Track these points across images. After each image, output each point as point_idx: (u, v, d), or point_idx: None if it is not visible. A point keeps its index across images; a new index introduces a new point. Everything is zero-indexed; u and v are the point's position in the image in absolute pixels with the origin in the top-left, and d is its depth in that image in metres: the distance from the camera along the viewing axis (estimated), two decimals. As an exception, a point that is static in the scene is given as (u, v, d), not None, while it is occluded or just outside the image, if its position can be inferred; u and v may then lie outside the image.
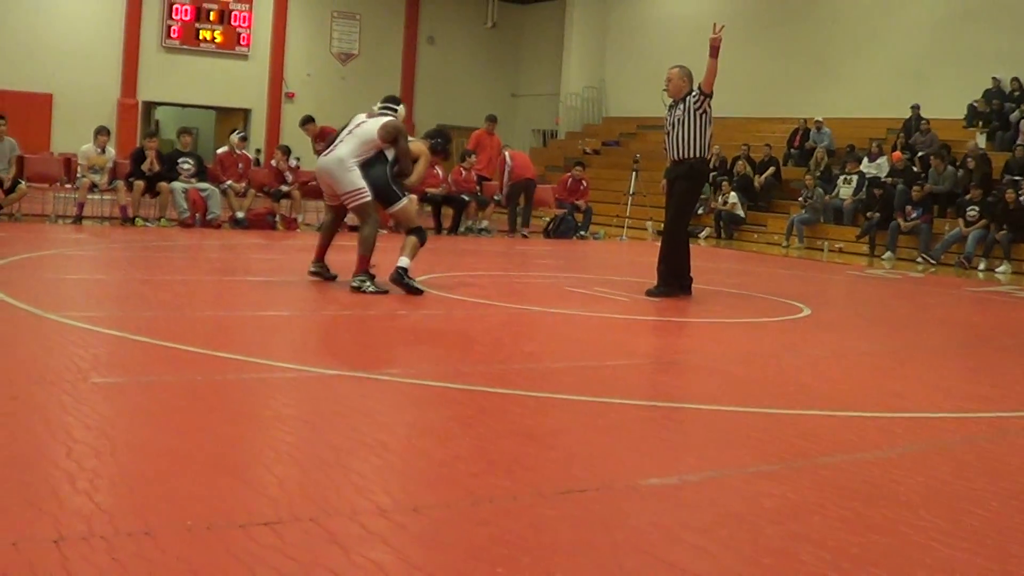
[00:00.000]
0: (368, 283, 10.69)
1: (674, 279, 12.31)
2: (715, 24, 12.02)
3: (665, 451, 5.31)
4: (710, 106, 12.29)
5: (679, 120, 12.34)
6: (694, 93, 12.35)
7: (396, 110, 11.19)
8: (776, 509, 4.39)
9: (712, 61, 12.23)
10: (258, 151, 33.46)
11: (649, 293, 12.19)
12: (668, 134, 12.50)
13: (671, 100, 12.65)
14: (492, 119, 24.00)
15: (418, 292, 10.78)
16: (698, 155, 12.28)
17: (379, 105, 11.27)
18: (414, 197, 11.50)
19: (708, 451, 5.34)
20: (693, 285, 12.50)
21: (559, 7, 38.11)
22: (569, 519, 4.09)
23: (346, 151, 10.79)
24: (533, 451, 5.07)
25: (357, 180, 10.69)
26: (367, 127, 10.92)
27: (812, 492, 4.68)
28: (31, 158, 20.45)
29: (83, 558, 3.39)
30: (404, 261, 10.82)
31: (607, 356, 8.12)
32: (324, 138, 20.14)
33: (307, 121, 21.02)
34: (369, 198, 10.76)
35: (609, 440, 5.44)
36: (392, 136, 10.84)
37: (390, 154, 10.89)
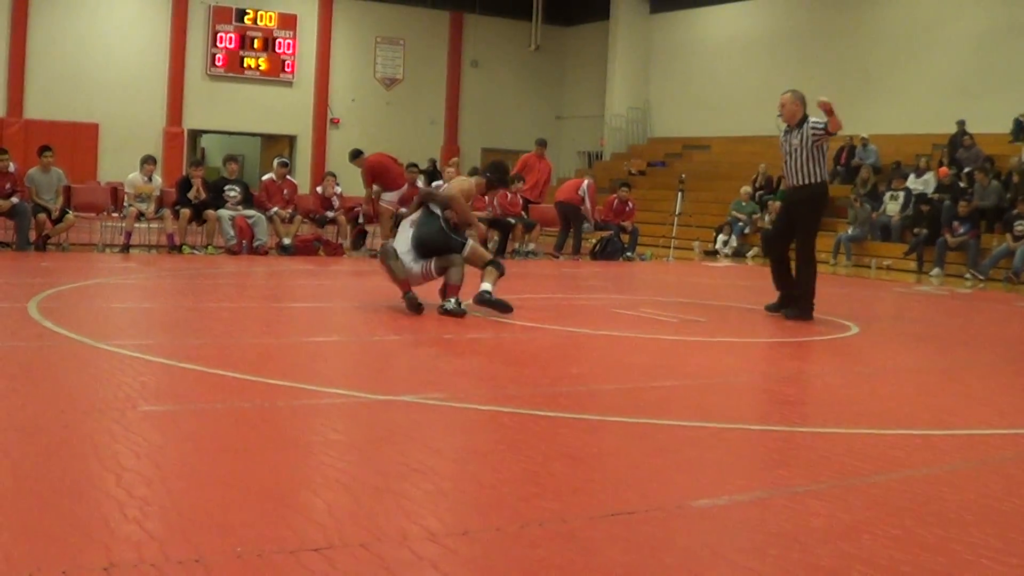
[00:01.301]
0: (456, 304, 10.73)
1: (798, 299, 12.39)
2: (819, 100, 11.93)
3: (714, 472, 5.28)
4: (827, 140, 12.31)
5: (796, 148, 12.33)
6: (813, 123, 12.26)
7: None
8: (826, 528, 4.36)
9: (832, 118, 12.00)
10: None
11: (787, 315, 12.30)
12: (786, 161, 12.52)
13: (786, 126, 12.65)
14: (542, 143, 23.97)
15: (508, 308, 10.95)
16: (820, 180, 12.37)
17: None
18: (474, 233, 11.49)
19: (757, 471, 5.31)
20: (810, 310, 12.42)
21: (603, 29, 38.11)
22: (619, 541, 4.07)
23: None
24: (582, 473, 5.06)
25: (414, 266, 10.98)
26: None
27: (862, 511, 4.65)
28: (78, 188, 20.62)
29: (134, 586, 3.40)
30: (487, 285, 10.87)
31: (655, 377, 8.10)
32: (379, 174, 20.19)
33: (356, 155, 21.04)
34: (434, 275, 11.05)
35: (658, 461, 5.41)
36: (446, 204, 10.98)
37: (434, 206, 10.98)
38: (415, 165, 21.71)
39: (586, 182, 22.73)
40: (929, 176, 25.25)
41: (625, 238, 23.13)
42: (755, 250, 25.92)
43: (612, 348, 9.79)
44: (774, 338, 10.96)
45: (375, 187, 20.04)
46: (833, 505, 4.70)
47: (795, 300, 12.36)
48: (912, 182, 25.31)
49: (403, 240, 10.98)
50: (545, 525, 4.20)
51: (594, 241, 23.14)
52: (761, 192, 27.40)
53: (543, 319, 11.64)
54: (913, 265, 23.33)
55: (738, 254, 25.69)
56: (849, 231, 24.77)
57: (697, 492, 4.85)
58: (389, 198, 20.02)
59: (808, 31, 32.17)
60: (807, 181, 12.30)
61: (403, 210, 19.67)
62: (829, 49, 31.42)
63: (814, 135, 12.15)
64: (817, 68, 31.36)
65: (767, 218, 25.95)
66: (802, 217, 12.52)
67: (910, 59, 29.51)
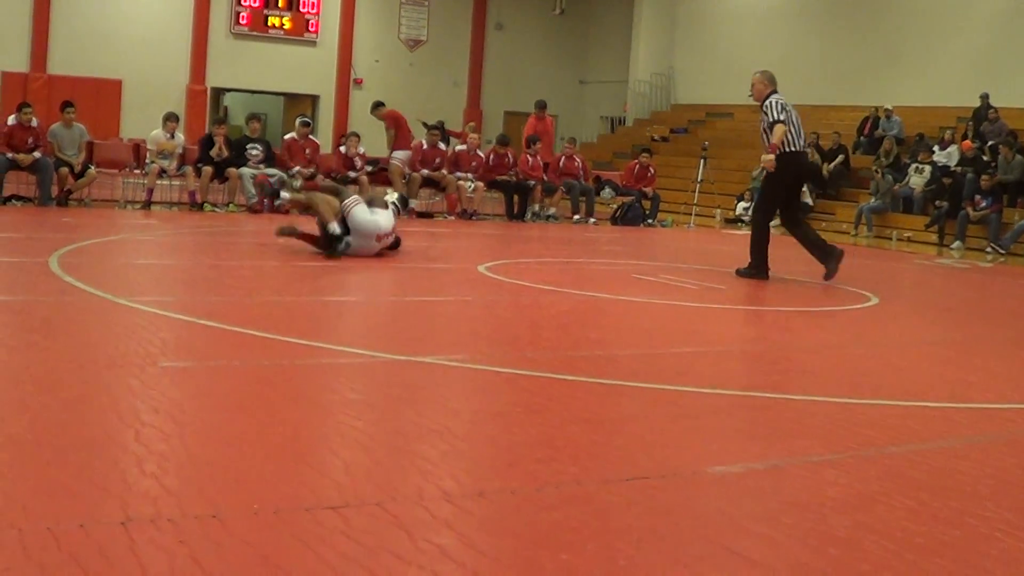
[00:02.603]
0: None
1: (829, 259, 13.08)
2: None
3: (731, 439, 5.28)
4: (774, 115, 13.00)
5: (761, 123, 13.21)
6: (765, 106, 13.12)
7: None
8: (841, 498, 4.36)
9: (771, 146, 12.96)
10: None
11: (739, 273, 13.16)
12: (762, 133, 13.29)
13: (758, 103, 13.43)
14: (541, 105, 23.87)
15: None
16: (784, 149, 12.91)
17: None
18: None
19: (774, 440, 5.30)
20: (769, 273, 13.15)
21: (628, -7, 38.00)
22: (634, 506, 4.08)
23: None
24: (599, 438, 5.06)
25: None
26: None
27: (878, 482, 4.65)
28: (101, 144, 20.62)
29: (150, 540, 3.41)
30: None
31: (674, 344, 8.10)
32: (400, 125, 20.27)
33: (378, 106, 21.15)
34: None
35: (675, 427, 5.42)
36: None
37: None
38: (436, 127, 21.64)
39: None
40: (953, 149, 25.11)
41: (646, 204, 23.07)
42: (776, 220, 25.84)
43: (631, 313, 9.79)
44: (794, 307, 10.94)
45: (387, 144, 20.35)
46: (848, 475, 4.70)
47: (826, 257, 13.08)
48: (935, 155, 25.17)
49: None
50: (561, 488, 4.21)
51: (615, 206, 23.09)
52: (784, 161, 27.32)
53: (563, 283, 11.64)
54: (934, 238, 23.22)
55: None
56: (871, 202, 24.66)
57: (713, 459, 4.86)
58: (401, 156, 20.06)
59: (835, 1, 31.98)
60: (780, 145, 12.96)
61: (412, 173, 19.78)
62: (855, 18, 31.23)
63: (764, 116, 13.09)
64: (843, 37, 31.21)
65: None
66: (762, 185, 13.72)
67: (936, 31, 29.31)
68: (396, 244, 12.66)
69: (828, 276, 13.00)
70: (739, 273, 13.15)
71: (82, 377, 5.64)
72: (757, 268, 13.11)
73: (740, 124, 32.94)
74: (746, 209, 26.04)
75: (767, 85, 13.30)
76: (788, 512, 4.14)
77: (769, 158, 12.85)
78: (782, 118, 12.91)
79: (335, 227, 11.61)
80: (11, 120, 17.59)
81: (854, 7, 31.36)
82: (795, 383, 6.95)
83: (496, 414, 5.51)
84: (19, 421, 4.71)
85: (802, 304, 11.18)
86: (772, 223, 13.47)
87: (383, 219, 12.05)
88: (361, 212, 11.85)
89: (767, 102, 13.12)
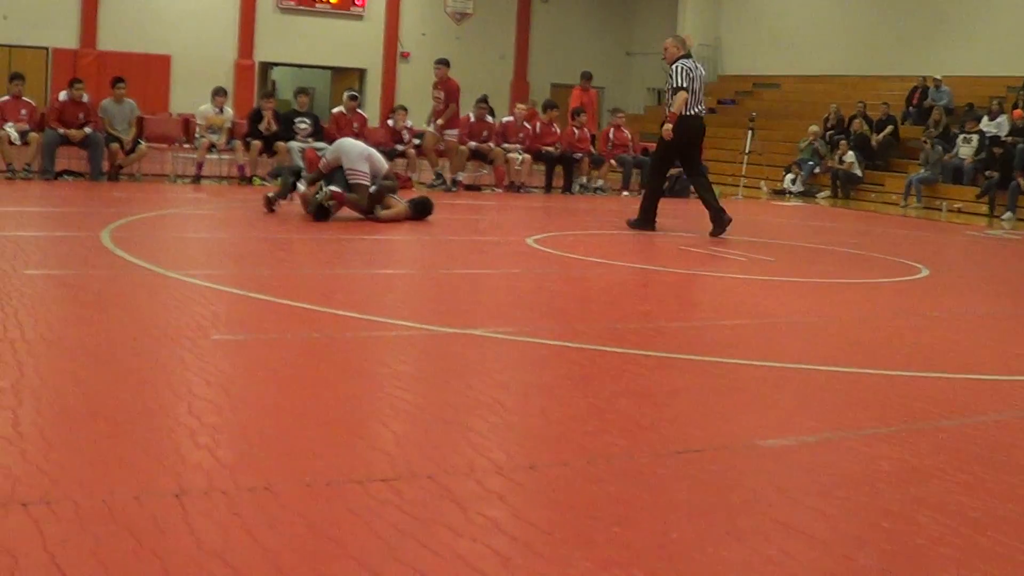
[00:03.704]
0: None
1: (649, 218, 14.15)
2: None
3: (782, 412, 5.26)
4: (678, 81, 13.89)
5: (670, 85, 14.01)
6: (672, 70, 13.91)
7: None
8: (894, 472, 4.35)
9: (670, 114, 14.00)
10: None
11: (631, 224, 14.15)
12: (667, 93, 14.21)
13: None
14: (586, 76, 23.73)
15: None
16: (692, 112, 13.92)
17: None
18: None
19: (825, 412, 5.29)
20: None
21: (674, -36, 37.80)
22: (685, 479, 4.08)
23: None
24: (649, 410, 5.06)
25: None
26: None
27: (931, 455, 4.63)
28: (150, 119, 20.72)
29: (204, 512, 3.44)
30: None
31: (724, 316, 8.08)
32: (451, 92, 19.93)
33: (444, 64, 20.53)
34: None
35: (726, 400, 5.41)
36: None
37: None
38: (485, 100, 21.60)
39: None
40: (1003, 119, 24.86)
41: (694, 176, 22.95)
42: (826, 191, 25.71)
43: (680, 286, 9.78)
44: (843, 279, 10.89)
45: (437, 121, 19.84)
46: (901, 449, 4.68)
47: (716, 218, 13.82)
48: (985, 124, 24.93)
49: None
50: (612, 461, 4.22)
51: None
52: (832, 132, 27.10)
53: (611, 255, 11.63)
54: (984, 209, 23.04)
55: (807, 194, 25.48)
56: (920, 173, 24.47)
57: (765, 432, 4.85)
58: (453, 133, 19.88)
59: (884, -32, 31.73)
60: (665, 113, 14.21)
61: (461, 147, 19.69)
62: (902, -14, 30.98)
63: (669, 78, 13.96)
64: (891, 6, 30.92)
65: (837, 158, 25.71)
66: (658, 142, 14.40)
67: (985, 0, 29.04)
68: (424, 209, 12.85)
69: (713, 235, 13.66)
70: (630, 224, 14.13)
71: (135, 350, 5.69)
72: (645, 221, 14.06)
73: (787, 95, 32.76)
74: (793, 181, 25.93)
75: (679, 49, 14.10)
76: (841, 486, 4.13)
77: (667, 127, 13.70)
78: (684, 85, 13.69)
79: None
80: (62, 96, 17.70)
81: (901, -24, 31.08)
82: (846, 355, 6.92)
83: (546, 386, 5.52)
84: (74, 394, 4.75)
85: (852, 276, 11.12)
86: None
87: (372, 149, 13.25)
88: (350, 142, 13.10)
89: (674, 66, 13.86)
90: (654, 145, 24.24)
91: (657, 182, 14.50)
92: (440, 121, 19.51)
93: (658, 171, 14.60)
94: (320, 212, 12.08)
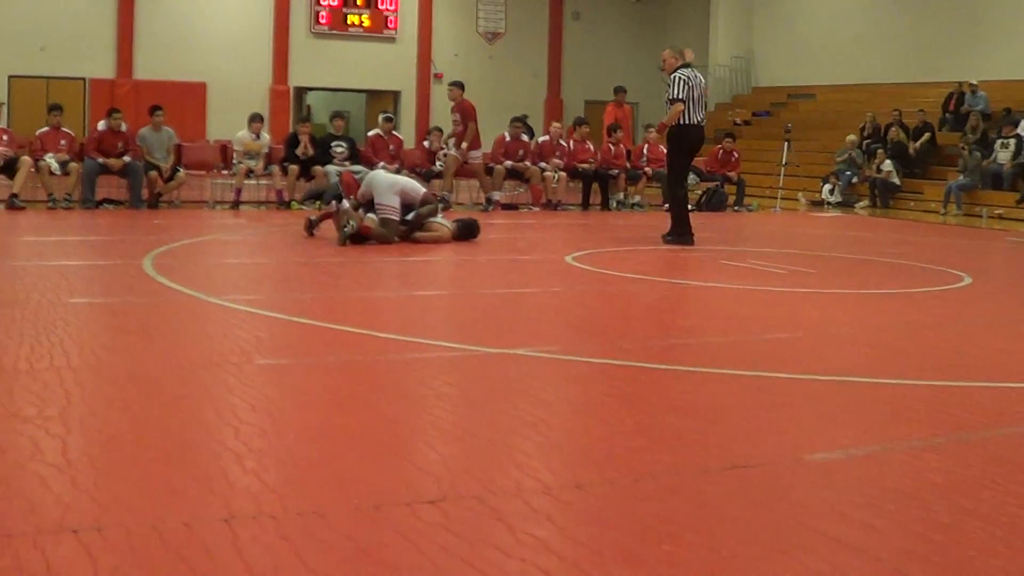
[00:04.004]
0: None
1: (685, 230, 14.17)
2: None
3: (829, 425, 5.24)
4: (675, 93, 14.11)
5: (668, 95, 14.22)
6: (670, 80, 14.16)
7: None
8: (944, 484, 4.32)
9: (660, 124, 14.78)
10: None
11: (665, 238, 14.16)
12: (666, 104, 14.33)
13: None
14: (619, 90, 23.68)
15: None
16: (675, 124, 14.09)
17: None
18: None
19: (872, 425, 5.26)
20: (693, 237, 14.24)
21: (705, -22, 37.79)
22: (733, 495, 4.07)
23: None
24: (694, 427, 5.05)
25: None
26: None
27: (980, 466, 4.60)
28: (188, 146, 20.82)
29: (253, 537, 3.45)
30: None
31: (766, 330, 8.06)
32: (467, 113, 19.72)
33: (458, 86, 20.10)
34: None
35: (771, 415, 5.39)
36: None
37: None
38: (520, 119, 21.60)
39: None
40: (1041, 123, 24.73)
41: (730, 189, 22.94)
42: (864, 201, 25.61)
43: (721, 300, 9.75)
44: (885, 289, 10.85)
45: (461, 145, 19.43)
46: (950, 460, 4.66)
47: (677, 229, 14.21)
48: (1023, 128, 24.80)
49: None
50: (658, 478, 4.21)
51: (699, 192, 22.97)
52: (869, 141, 26.99)
53: (651, 271, 11.63)
54: (1025, 214, 22.92)
55: (845, 204, 25.39)
56: (959, 180, 24.34)
57: (812, 446, 4.83)
58: (477, 155, 19.69)
59: (915, -25, 31.61)
60: (669, 123, 14.23)
61: (496, 166, 19.58)
62: (937, -7, 30.85)
63: (667, 87, 14.21)
64: (924, 12, 30.79)
65: (874, 167, 25.61)
66: (667, 153, 14.83)
67: (1018, 2, 28.87)
68: (470, 231, 12.91)
69: (665, 237, 14.19)
70: (664, 238, 14.14)
71: (180, 376, 5.72)
72: (681, 233, 14.08)
73: (823, 105, 32.65)
74: (831, 191, 25.84)
75: (677, 59, 14.30)
76: (890, 499, 4.11)
77: (654, 134, 14.40)
78: (681, 96, 13.92)
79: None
80: (101, 125, 17.85)
81: (935, -18, 30.95)
82: (891, 367, 6.89)
83: (590, 405, 5.52)
84: (121, 421, 4.78)
85: (894, 286, 11.07)
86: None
87: (404, 179, 13.36)
88: (380, 176, 13.03)
89: (672, 76, 14.11)
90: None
91: (679, 192, 14.54)
92: (464, 144, 19.32)
93: (676, 182, 14.62)
94: (348, 240, 12.11)
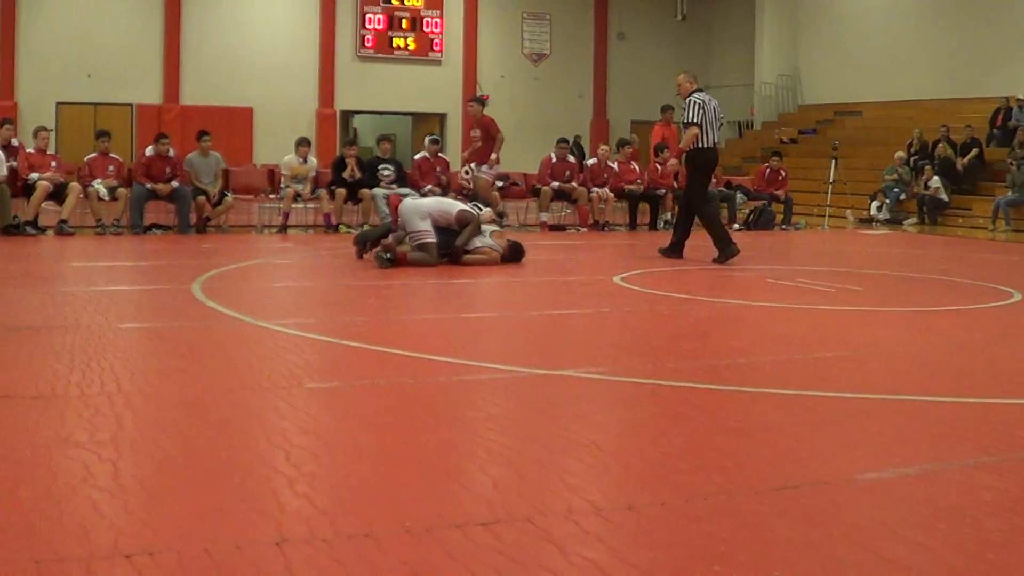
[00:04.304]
0: None
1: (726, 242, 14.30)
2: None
3: (879, 444, 5.20)
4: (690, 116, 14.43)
5: (683, 116, 14.57)
6: (686, 103, 14.45)
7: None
8: (996, 502, 4.29)
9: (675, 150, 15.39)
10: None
11: (715, 260, 14.16)
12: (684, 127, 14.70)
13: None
14: (666, 108, 23.58)
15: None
16: (694, 146, 14.36)
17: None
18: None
19: (923, 444, 5.23)
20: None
21: (750, -4, 37.75)
22: (784, 515, 4.05)
23: None
24: (745, 447, 5.03)
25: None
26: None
27: (1033, 484, 4.57)
28: (235, 171, 20.96)
29: (305, 560, 3.46)
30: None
31: (815, 349, 8.02)
32: (490, 128, 19.39)
33: (481, 102, 20.04)
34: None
35: (822, 434, 5.37)
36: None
37: None
38: (566, 140, 21.62)
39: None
40: (1090, 137, 24.54)
41: (777, 208, 22.87)
42: (913, 218, 25.47)
43: (770, 319, 9.72)
44: (934, 307, 10.77)
45: (490, 158, 18.76)
46: (1003, 478, 4.62)
47: (675, 246, 14.75)
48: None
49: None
50: (710, 499, 4.20)
51: (746, 211, 22.92)
52: (917, 157, 26.85)
53: (699, 291, 11.61)
54: (1076, 229, 22.75)
55: (893, 221, 25.28)
56: (1008, 195, 24.17)
57: (863, 465, 4.80)
58: (487, 171, 19.39)
59: (960, -11, 31.45)
60: (687, 146, 14.51)
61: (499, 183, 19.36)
62: (981, 7, 30.59)
63: (684, 111, 14.49)
64: (970, 27, 30.64)
65: (922, 184, 25.48)
66: (688, 176, 15.02)
67: (1068, 17, 28.72)
68: (516, 254, 12.91)
69: (664, 251, 14.65)
70: (716, 261, 14.11)
71: (230, 400, 5.74)
72: (724, 247, 14.16)
73: (869, 122, 32.54)
74: (879, 208, 25.71)
75: (692, 83, 14.69)
76: (942, 517, 4.08)
77: (674, 163, 14.82)
78: (696, 120, 14.22)
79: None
80: (149, 151, 17.97)
81: (980, -3, 30.79)
82: (941, 384, 6.84)
83: (640, 426, 5.50)
84: (172, 445, 4.80)
85: (942, 303, 11.00)
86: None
87: (429, 202, 13.35)
88: (407, 204, 12.99)
89: (687, 100, 14.42)
90: (737, 178, 24.34)
91: (706, 208, 14.74)
92: (494, 156, 18.85)
93: (702, 203, 14.71)
94: (384, 263, 12.16)
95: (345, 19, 34.44)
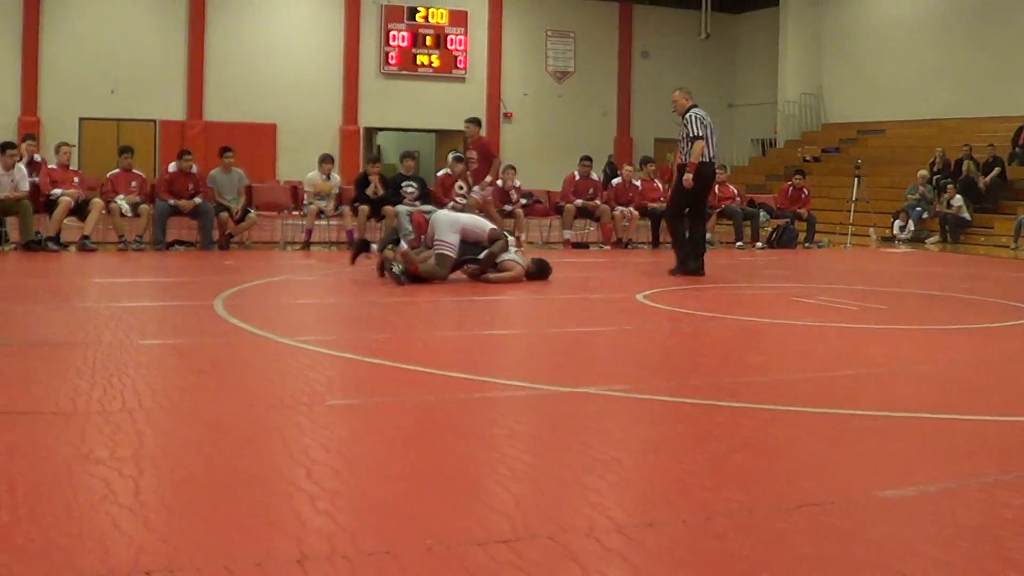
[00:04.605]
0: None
1: (690, 258, 14.70)
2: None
3: (900, 462, 5.19)
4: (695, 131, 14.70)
5: (680, 135, 14.85)
6: (686, 120, 14.73)
7: None
8: (1018, 520, 4.27)
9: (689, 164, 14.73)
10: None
11: (672, 272, 14.62)
12: (679, 142, 14.98)
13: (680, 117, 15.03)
14: None
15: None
16: (705, 159, 14.60)
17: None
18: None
19: (944, 461, 5.21)
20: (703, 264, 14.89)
21: (773, 15, 37.72)
22: (806, 533, 4.04)
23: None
24: (766, 464, 5.02)
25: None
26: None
27: (1056, 502, 4.55)
28: (259, 187, 21.04)
29: (327, 577, 3.46)
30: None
31: (837, 366, 8.00)
32: (486, 149, 19.20)
33: (476, 123, 19.41)
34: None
35: (843, 452, 5.35)
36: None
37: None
38: (589, 158, 21.63)
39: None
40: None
41: (800, 226, 22.84)
42: (935, 236, 25.41)
43: (792, 337, 9.70)
44: (956, 325, 10.73)
45: (484, 180, 18.59)
46: (1023, 496, 4.61)
47: (688, 257, 14.75)
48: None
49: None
50: (731, 517, 4.18)
51: (770, 229, 22.89)
52: (939, 176, 26.80)
53: (721, 309, 11.59)
54: (1098, 247, 22.66)
55: (916, 239, 25.22)
56: (1030, 213, 24.11)
57: (884, 483, 4.78)
58: (478, 191, 18.80)
59: (981, 9, 31.32)
60: (679, 161, 14.91)
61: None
62: (1002, 25, 30.60)
63: (687, 129, 14.66)
64: (990, 45, 30.64)
65: (944, 202, 25.43)
66: (673, 192, 15.26)
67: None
68: (542, 271, 12.91)
69: (674, 271, 14.69)
70: (673, 272, 14.58)
71: (252, 417, 5.75)
72: (683, 262, 14.64)
73: (892, 140, 32.52)
74: (902, 227, 25.65)
75: (688, 99, 14.96)
76: (963, 535, 4.06)
77: (688, 177, 14.53)
78: (701, 134, 14.52)
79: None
80: (172, 167, 18.05)
81: (1001, 15, 30.73)
82: (963, 402, 6.82)
83: (662, 443, 5.49)
84: (193, 461, 4.80)
85: (965, 321, 10.96)
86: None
87: (465, 217, 13.52)
88: (441, 214, 13.23)
89: (687, 115, 14.69)
90: (760, 197, 24.34)
91: (680, 225, 15.04)
92: (488, 178, 18.71)
93: (677, 216, 15.12)
94: (402, 280, 12.14)
95: (369, 36, 34.58)
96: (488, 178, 18.70)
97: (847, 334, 9.88)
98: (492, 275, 12.67)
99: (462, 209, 17.12)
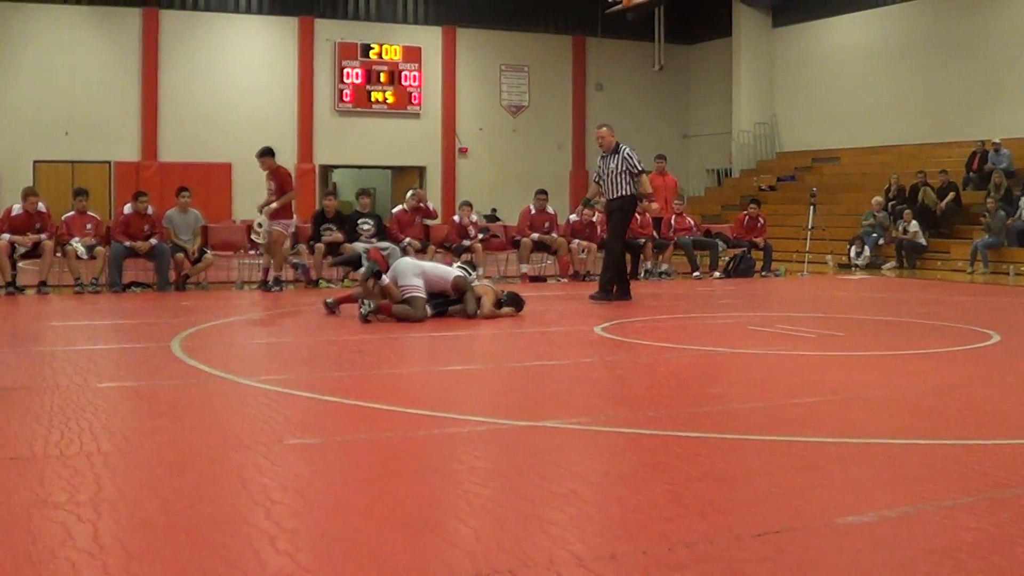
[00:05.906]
0: None
1: (614, 286, 15.67)
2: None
3: (860, 488, 5.22)
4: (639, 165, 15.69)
5: (612, 170, 15.57)
6: (627, 155, 15.53)
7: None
8: (977, 543, 4.30)
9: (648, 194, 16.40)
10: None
11: (592, 298, 15.55)
12: (603, 179, 15.80)
13: (603, 153, 15.92)
14: (661, 158, 23.80)
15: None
16: (629, 194, 15.54)
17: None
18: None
19: (903, 486, 5.23)
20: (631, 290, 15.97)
21: (726, 45, 37.90)
22: (767, 561, 4.05)
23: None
24: (726, 493, 5.04)
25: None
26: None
27: (1013, 524, 4.57)
28: (214, 227, 20.95)
29: (288, 618, 3.44)
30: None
31: (795, 394, 8.03)
32: (284, 179, 18.07)
33: (269, 154, 18.49)
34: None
35: (802, 479, 5.37)
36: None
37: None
38: (544, 192, 21.69)
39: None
40: (1066, 179, 24.68)
41: (757, 255, 22.93)
42: (891, 262, 25.56)
43: (750, 366, 9.73)
44: (913, 349, 10.80)
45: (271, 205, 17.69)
46: (983, 519, 4.63)
47: (602, 285, 15.87)
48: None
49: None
50: (692, 547, 4.19)
51: (726, 259, 22.98)
52: (894, 202, 26.98)
53: (679, 339, 11.62)
54: (1053, 271, 22.84)
55: (872, 265, 25.36)
56: (985, 238, 24.29)
57: (844, 509, 4.81)
58: (286, 223, 17.89)
59: (933, 36, 31.59)
60: (620, 194, 15.55)
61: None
62: (955, 53, 30.84)
63: (627, 165, 15.45)
64: (944, 73, 30.89)
65: (901, 228, 25.59)
66: (615, 222, 15.91)
67: (1040, 61, 28.93)
68: (516, 305, 12.91)
69: (595, 296, 15.65)
70: (593, 297, 15.62)
71: (210, 457, 5.72)
72: (607, 288, 15.63)
73: (847, 168, 32.73)
74: (858, 254, 25.80)
75: (613, 135, 15.74)
76: (924, 560, 4.09)
77: (655, 205, 16.41)
78: (643, 168, 15.66)
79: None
80: (127, 209, 17.97)
81: (954, 42, 30.97)
82: (921, 427, 6.86)
83: (622, 475, 5.50)
84: (152, 504, 4.78)
85: (921, 346, 11.03)
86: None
87: (428, 264, 13.64)
88: (404, 262, 13.39)
89: (624, 152, 15.52)
90: (717, 226, 24.43)
91: (620, 254, 16.27)
92: (275, 205, 17.66)
93: (617, 241, 16.01)
94: (365, 316, 12.20)
95: (323, 73, 34.59)
96: (274, 205, 17.70)
97: (805, 362, 9.93)
98: (487, 310, 12.64)
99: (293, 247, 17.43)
